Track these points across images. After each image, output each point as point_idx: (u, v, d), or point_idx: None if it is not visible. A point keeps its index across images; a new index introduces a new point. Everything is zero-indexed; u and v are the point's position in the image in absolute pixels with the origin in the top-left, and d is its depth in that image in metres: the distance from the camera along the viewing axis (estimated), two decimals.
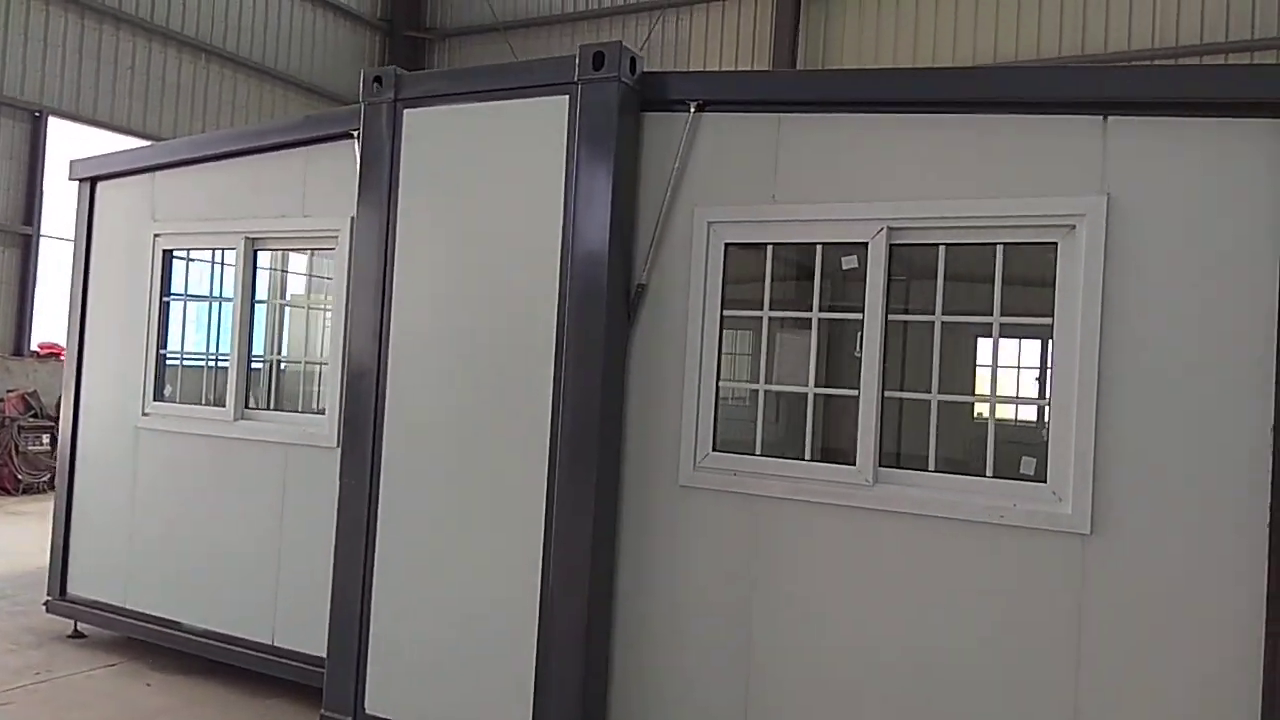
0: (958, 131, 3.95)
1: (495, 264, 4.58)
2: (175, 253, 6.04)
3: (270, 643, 5.46)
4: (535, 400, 4.42)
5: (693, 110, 4.36)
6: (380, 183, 4.86)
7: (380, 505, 4.79)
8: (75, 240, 6.39)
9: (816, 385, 4.28)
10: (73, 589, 6.30)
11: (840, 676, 4.04)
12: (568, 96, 4.41)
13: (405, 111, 4.83)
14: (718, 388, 4.34)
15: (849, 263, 4.18)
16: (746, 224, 4.30)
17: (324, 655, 5.19)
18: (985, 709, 3.79)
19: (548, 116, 4.47)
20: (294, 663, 5.35)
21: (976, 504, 3.83)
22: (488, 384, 4.56)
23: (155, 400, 6.00)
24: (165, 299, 6.03)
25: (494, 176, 4.61)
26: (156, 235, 6.03)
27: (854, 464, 4.07)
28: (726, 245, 4.33)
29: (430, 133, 4.77)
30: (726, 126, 4.35)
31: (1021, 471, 3.93)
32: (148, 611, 5.94)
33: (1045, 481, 3.79)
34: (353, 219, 5.23)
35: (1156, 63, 12.44)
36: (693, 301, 4.36)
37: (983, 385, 6.21)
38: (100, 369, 6.26)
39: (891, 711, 3.94)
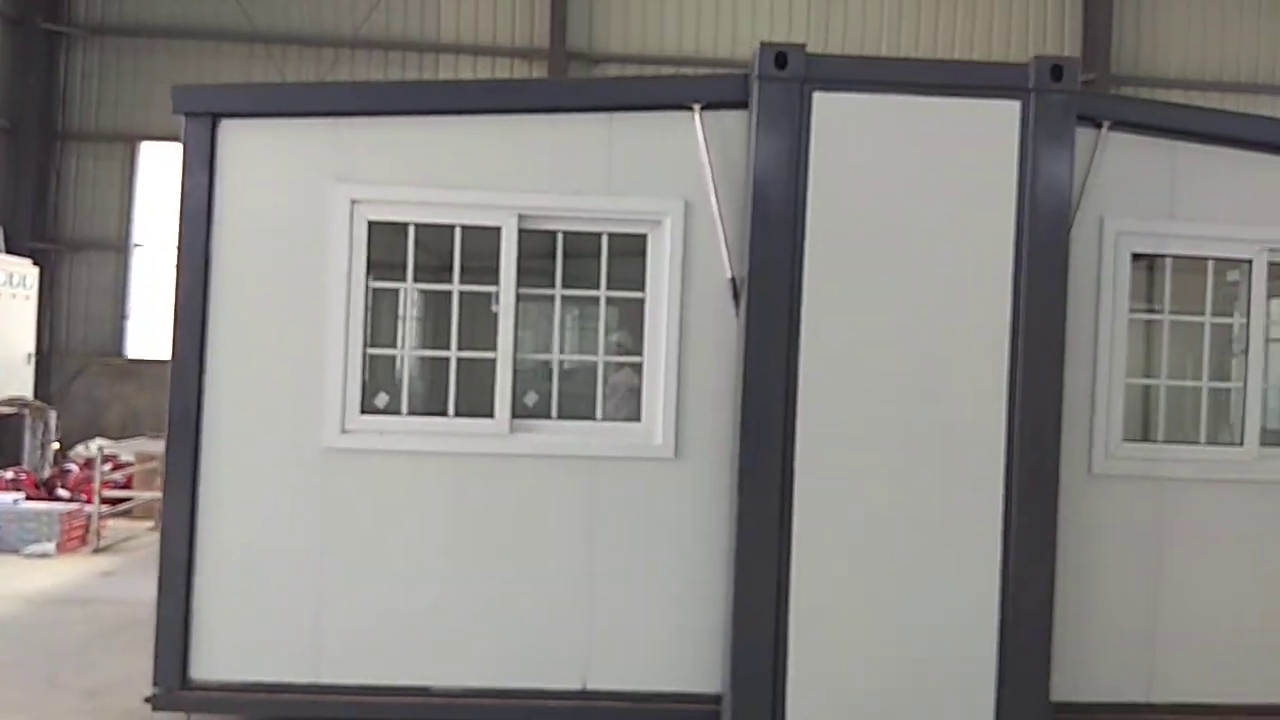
0: None
1: (931, 261, 4.55)
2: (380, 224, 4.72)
3: (581, 687, 4.70)
4: (985, 400, 4.52)
5: (1105, 129, 4.74)
6: (782, 167, 4.49)
7: (796, 524, 4.49)
8: (184, 198, 4.60)
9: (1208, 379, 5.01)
10: (200, 673, 4.64)
11: (1245, 640, 4.83)
12: (1019, 103, 4.53)
13: (815, 95, 4.50)
14: (1125, 384, 4.83)
15: (1232, 277, 4.94)
16: (1150, 236, 4.82)
17: (652, 690, 4.74)
18: None
19: (993, 120, 4.55)
20: (613, 703, 4.70)
21: None
22: (928, 382, 4.54)
23: (364, 413, 4.67)
24: (371, 283, 4.70)
25: (925, 172, 4.56)
26: (355, 201, 4.64)
27: (1240, 443, 4.88)
28: (1133, 255, 4.82)
29: (849, 120, 4.53)
30: (1127, 146, 4.80)
31: None
32: (363, 682, 4.66)
33: None
34: (686, 202, 4.71)
35: None
36: (1103, 304, 4.78)
37: None
38: (241, 376, 4.64)
39: None
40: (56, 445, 11.51)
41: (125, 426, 13.80)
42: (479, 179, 4.69)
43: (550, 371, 5.29)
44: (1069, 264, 4.68)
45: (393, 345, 6.10)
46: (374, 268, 4.75)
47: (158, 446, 9.54)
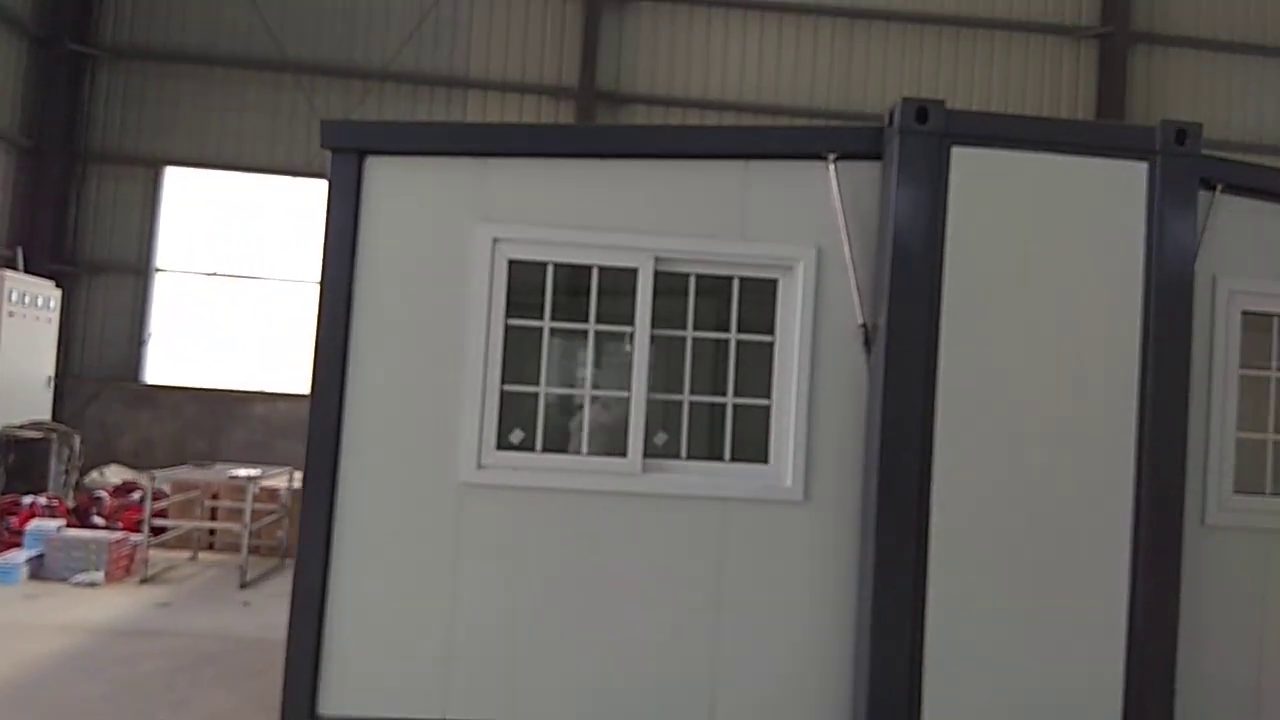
0: None
1: (1062, 314, 4.70)
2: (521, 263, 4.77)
3: None
4: (1114, 450, 4.66)
5: (1218, 191, 4.92)
6: (920, 218, 4.62)
7: (931, 570, 4.57)
8: (328, 232, 4.63)
9: None
10: (327, 709, 4.61)
11: None
12: (1147, 164, 4.71)
13: (953, 149, 4.64)
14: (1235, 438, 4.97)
15: None
16: (1265, 295, 4.99)
17: None
18: None
19: (1123, 179, 4.71)
20: None
21: None
22: (1060, 430, 4.66)
23: (499, 449, 4.70)
24: (509, 320, 4.74)
25: (1056, 227, 4.72)
26: (497, 240, 4.70)
27: None
28: (1243, 313, 4.98)
29: (984, 174, 4.67)
30: (1238, 208, 4.98)
31: None
32: (491, 718, 4.64)
33: None
34: (819, 248, 4.81)
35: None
36: (1216, 359, 4.92)
37: None
38: (380, 409, 4.65)
39: None
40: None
41: (138, 454, 13.60)
42: (618, 221, 4.77)
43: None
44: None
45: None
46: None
47: (198, 476, 9.44)
